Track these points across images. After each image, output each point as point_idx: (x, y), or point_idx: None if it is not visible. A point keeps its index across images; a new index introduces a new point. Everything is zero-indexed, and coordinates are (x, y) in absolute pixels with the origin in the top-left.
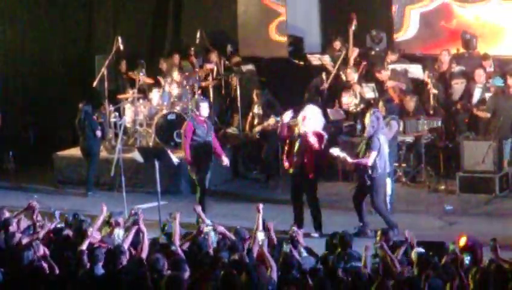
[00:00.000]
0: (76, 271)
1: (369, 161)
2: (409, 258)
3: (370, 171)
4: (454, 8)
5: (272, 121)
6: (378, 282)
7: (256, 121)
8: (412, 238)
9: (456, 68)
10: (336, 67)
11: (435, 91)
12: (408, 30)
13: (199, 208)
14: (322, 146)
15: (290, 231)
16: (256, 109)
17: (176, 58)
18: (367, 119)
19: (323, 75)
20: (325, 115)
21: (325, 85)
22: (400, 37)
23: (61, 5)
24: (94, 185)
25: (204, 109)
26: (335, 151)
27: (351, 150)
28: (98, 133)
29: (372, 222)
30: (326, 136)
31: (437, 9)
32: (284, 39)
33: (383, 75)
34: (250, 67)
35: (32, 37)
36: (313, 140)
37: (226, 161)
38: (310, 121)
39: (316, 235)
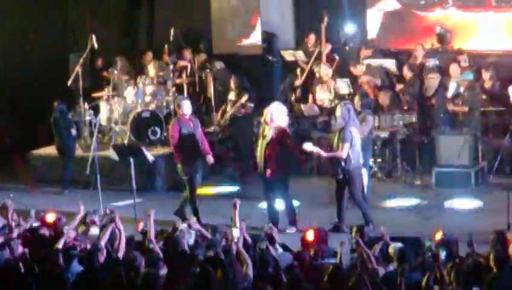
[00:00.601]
0: (52, 270)
1: (343, 153)
2: (385, 254)
3: (343, 164)
4: (415, 12)
5: (243, 99)
6: (356, 277)
7: (228, 107)
8: (386, 234)
9: (430, 63)
10: (310, 63)
11: (401, 86)
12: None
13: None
14: (288, 142)
15: (266, 227)
16: (231, 95)
17: (149, 55)
18: (338, 112)
19: (298, 71)
20: (299, 110)
21: (299, 81)
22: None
23: (34, 2)
24: (70, 183)
25: (187, 107)
26: (308, 146)
27: (326, 145)
28: (73, 131)
29: (348, 218)
30: (290, 132)
31: (397, 11)
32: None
33: (358, 69)
34: (221, 64)
35: (6, 36)
36: (282, 137)
37: (211, 159)
38: (274, 118)
39: (292, 231)
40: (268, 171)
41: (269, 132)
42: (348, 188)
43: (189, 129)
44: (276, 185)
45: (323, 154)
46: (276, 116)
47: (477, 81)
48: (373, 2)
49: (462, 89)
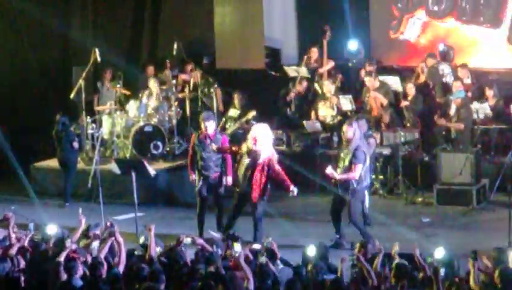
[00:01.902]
0: (54, 283)
1: (356, 174)
2: (387, 270)
3: (355, 185)
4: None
5: (251, 114)
6: None
7: (228, 124)
8: (381, 249)
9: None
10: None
11: (406, 103)
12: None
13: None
14: (276, 166)
15: (265, 242)
16: (232, 112)
17: (151, 70)
18: (350, 133)
19: (290, 85)
20: (301, 126)
21: (292, 95)
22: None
23: (38, 15)
24: (71, 196)
25: (204, 123)
26: (329, 170)
27: (328, 162)
28: (75, 144)
29: (348, 234)
30: (276, 156)
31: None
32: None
33: (374, 82)
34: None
35: (9, 48)
36: (272, 163)
37: (228, 181)
38: (261, 141)
39: (257, 246)
40: (254, 196)
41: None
42: (348, 207)
43: (203, 145)
44: (250, 204)
45: (338, 176)
46: (261, 139)
47: (469, 99)
48: (408, 14)
49: (456, 107)
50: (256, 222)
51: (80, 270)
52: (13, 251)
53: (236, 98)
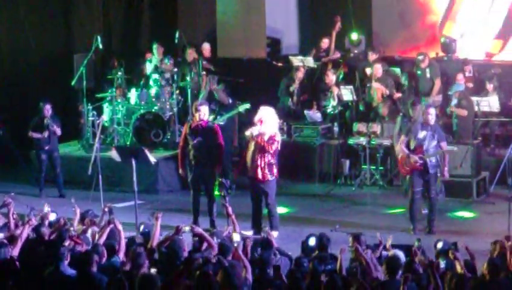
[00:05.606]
0: (55, 270)
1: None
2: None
3: (435, 161)
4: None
5: (242, 108)
6: (357, 286)
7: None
8: (382, 241)
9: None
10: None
11: (399, 94)
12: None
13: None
14: (279, 147)
15: (263, 232)
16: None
17: (152, 56)
18: (432, 115)
19: (293, 76)
20: (303, 116)
21: (295, 85)
22: None
23: (40, 2)
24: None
25: (196, 112)
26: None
27: (328, 153)
28: (30, 133)
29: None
30: (280, 138)
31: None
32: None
33: (379, 69)
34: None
35: (11, 35)
36: (270, 142)
37: (216, 169)
38: (267, 123)
39: (275, 235)
40: (261, 175)
41: (259, 135)
42: (428, 186)
43: (194, 134)
44: (262, 189)
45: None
46: (266, 120)
47: (468, 91)
48: None
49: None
50: (270, 208)
51: (68, 257)
52: (24, 233)
53: (215, 91)
